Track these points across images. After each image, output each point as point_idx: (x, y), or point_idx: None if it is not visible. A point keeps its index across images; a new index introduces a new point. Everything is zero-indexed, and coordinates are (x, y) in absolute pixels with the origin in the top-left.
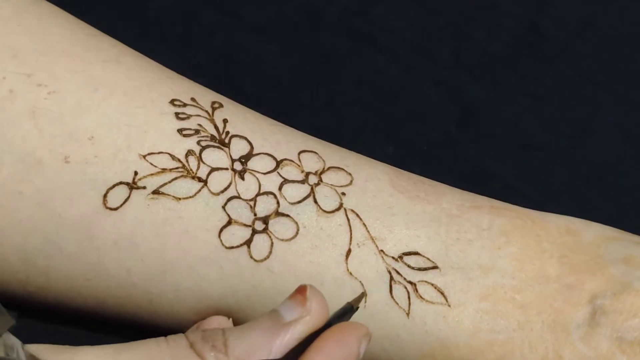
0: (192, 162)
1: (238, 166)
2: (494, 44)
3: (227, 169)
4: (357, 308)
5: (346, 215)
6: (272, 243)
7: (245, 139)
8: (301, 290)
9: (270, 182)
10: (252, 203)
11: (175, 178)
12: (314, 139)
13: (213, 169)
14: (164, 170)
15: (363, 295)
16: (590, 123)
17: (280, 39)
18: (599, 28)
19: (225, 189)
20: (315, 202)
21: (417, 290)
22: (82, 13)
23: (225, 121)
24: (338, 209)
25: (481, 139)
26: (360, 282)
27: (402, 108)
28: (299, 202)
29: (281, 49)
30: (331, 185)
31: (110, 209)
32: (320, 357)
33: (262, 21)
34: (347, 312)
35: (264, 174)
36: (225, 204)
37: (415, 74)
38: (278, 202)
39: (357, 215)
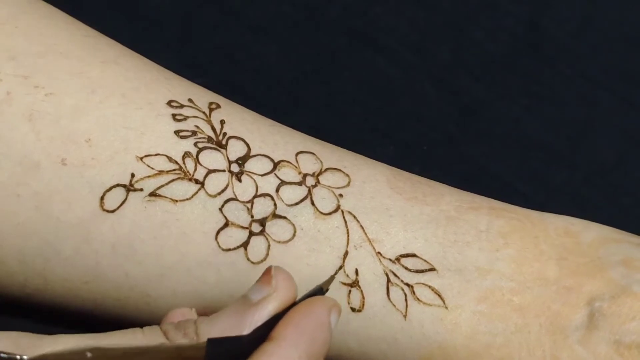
0: (189, 164)
1: (235, 168)
2: (494, 44)
3: (224, 170)
4: (327, 290)
5: (343, 217)
6: (269, 245)
7: (243, 140)
8: (267, 271)
9: (268, 184)
10: (249, 205)
11: (172, 180)
12: (312, 140)
13: (210, 171)
14: (160, 172)
15: (333, 278)
16: (590, 123)
17: (280, 39)
18: (599, 28)
19: (222, 190)
20: (313, 204)
21: (414, 293)
22: (80, 13)
23: (222, 122)
24: (335, 211)
25: (481, 139)
26: (359, 284)
27: (402, 108)
28: (296, 204)
29: (281, 48)
30: (328, 186)
31: (108, 211)
32: (290, 328)
33: (262, 21)
34: (316, 294)
35: (261, 175)
36: (222, 206)
37: (415, 74)
38: (275, 204)
39: (355, 217)
